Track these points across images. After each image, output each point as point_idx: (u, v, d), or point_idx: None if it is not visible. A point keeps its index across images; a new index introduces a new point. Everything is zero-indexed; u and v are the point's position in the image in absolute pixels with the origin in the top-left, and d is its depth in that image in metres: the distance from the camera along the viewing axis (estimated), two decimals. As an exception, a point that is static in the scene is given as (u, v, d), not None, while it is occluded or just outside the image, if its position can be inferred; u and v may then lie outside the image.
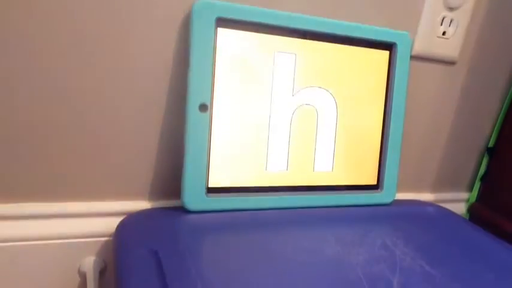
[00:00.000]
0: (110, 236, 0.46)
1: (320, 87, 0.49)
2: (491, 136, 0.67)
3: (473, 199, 0.68)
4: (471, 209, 0.68)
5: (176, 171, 0.46)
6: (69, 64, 0.41)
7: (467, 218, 0.68)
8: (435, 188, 0.67)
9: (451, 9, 0.54)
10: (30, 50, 0.39)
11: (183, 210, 0.44)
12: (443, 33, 0.55)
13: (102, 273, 0.47)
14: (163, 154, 0.47)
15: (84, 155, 0.45)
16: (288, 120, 0.48)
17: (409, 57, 0.52)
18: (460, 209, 0.68)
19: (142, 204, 0.48)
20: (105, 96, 0.43)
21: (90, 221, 0.46)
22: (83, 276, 0.47)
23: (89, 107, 0.43)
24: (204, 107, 0.43)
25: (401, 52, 0.51)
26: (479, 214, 0.66)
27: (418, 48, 0.55)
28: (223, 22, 0.43)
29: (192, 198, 0.43)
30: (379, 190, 0.53)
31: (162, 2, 0.42)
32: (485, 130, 0.67)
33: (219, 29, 0.43)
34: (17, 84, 0.40)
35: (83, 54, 0.41)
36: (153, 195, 0.48)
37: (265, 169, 0.47)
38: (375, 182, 0.53)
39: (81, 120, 0.43)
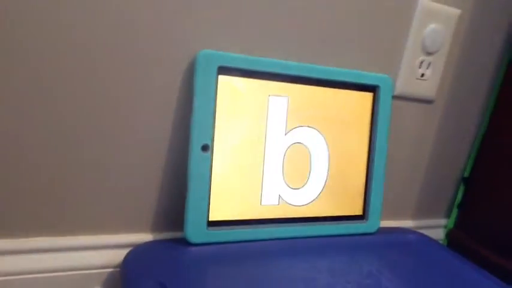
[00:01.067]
0: (115, 267, 0.49)
1: (310, 127, 0.53)
2: (466, 166, 0.72)
3: (451, 225, 0.73)
4: (449, 235, 0.72)
5: (179, 205, 0.49)
6: (75, 102, 0.44)
7: (446, 243, 0.73)
8: (415, 215, 0.71)
9: (428, 53, 0.60)
10: (38, 88, 0.43)
11: (186, 242, 0.47)
12: (422, 75, 0.61)
13: (106, 302, 0.50)
14: (167, 189, 0.51)
15: (90, 191, 0.48)
16: (281, 158, 0.52)
17: (390, 97, 0.57)
18: (439, 234, 0.73)
19: (146, 237, 0.51)
20: (112, 134, 0.47)
21: (96, 253, 0.49)
22: (88, 305, 0.49)
23: (96, 144, 0.46)
24: (205, 147, 0.47)
25: (383, 93, 0.56)
26: (456, 239, 0.71)
27: (399, 89, 0.60)
28: (224, 70, 0.47)
29: (194, 231, 0.47)
30: (364, 220, 0.57)
31: (169, 52, 0.46)
32: (461, 161, 0.72)
33: (220, 76, 0.47)
34: (24, 121, 0.43)
35: (90, 94, 0.44)
36: (157, 228, 0.52)
37: (260, 203, 0.51)
38: (360, 213, 0.57)
39: (87, 156, 0.46)
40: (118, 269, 0.49)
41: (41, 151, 0.44)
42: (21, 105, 0.42)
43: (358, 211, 0.57)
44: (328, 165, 0.54)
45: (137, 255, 0.46)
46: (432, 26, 0.58)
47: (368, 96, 0.56)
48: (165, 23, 0.45)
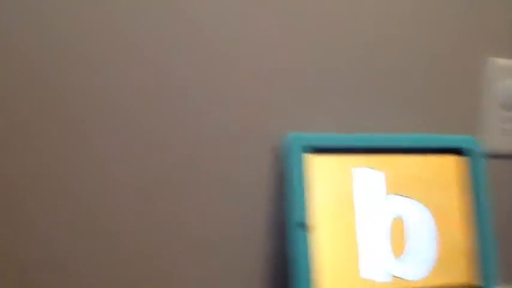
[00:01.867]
0: None
1: (404, 196, 0.52)
2: None
3: None
4: None
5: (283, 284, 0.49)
6: (171, 191, 0.48)
7: None
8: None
9: (508, 108, 0.59)
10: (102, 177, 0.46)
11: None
12: (506, 131, 0.60)
13: None
14: (280, 269, 0.51)
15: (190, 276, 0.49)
16: (380, 231, 0.50)
17: (479, 157, 0.55)
18: None
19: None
20: (214, 219, 0.49)
21: None
22: None
23: (194, 232, 0.48)
24: (304, 226, 0.47)
25: (471, 154, 0.55)
26: None
27: (487, 147, 0.59)
28: (311, 149, 0.49)
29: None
30: (482, 289, 0.53)
31: (257, 137, 0.50)
32: None
33: (308, 155, 0.49)
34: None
35: (185, 177, 0.48)
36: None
37: (369, 280, 0.49)
38: (476, 281, 0.53)
39: (188, 241, 0.48)
40: None
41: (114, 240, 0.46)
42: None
43: (473, 280, 0.53)
44: (435, 234, 0.52)
45: None
46: (507, 81, 0.59)
47: (453, 159, 0.55)
48: (254, 108, 0.50)
